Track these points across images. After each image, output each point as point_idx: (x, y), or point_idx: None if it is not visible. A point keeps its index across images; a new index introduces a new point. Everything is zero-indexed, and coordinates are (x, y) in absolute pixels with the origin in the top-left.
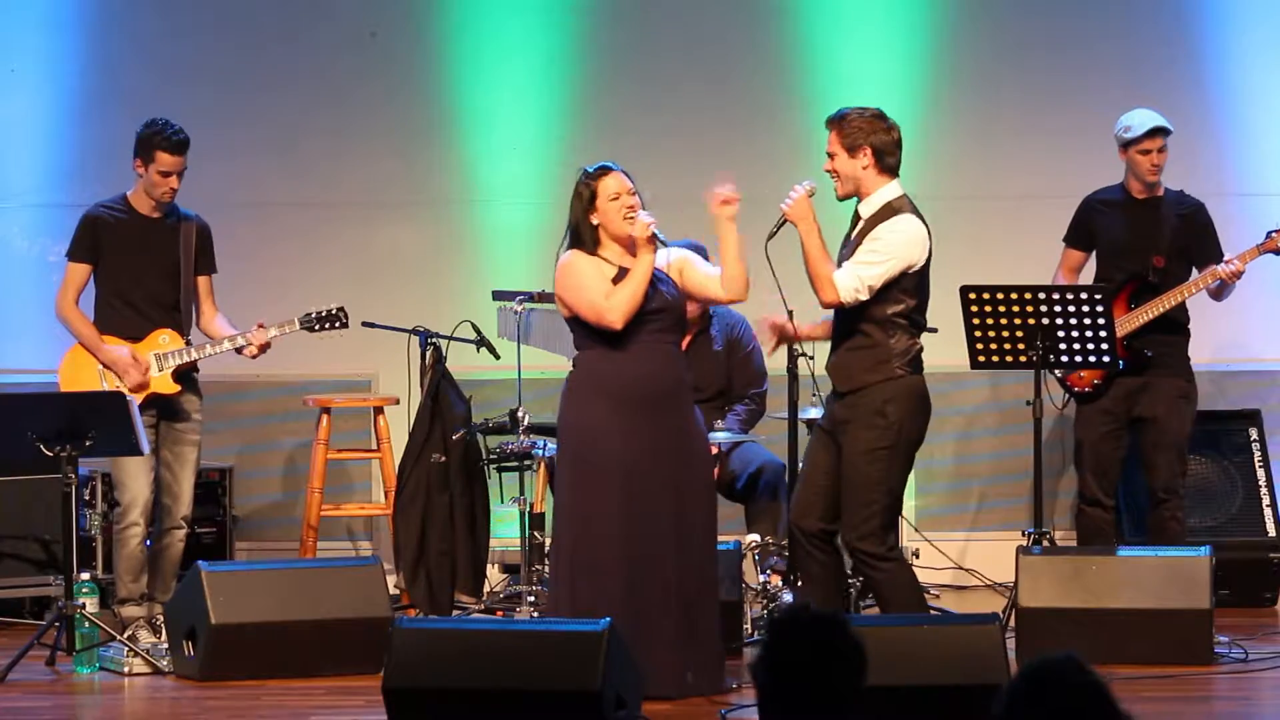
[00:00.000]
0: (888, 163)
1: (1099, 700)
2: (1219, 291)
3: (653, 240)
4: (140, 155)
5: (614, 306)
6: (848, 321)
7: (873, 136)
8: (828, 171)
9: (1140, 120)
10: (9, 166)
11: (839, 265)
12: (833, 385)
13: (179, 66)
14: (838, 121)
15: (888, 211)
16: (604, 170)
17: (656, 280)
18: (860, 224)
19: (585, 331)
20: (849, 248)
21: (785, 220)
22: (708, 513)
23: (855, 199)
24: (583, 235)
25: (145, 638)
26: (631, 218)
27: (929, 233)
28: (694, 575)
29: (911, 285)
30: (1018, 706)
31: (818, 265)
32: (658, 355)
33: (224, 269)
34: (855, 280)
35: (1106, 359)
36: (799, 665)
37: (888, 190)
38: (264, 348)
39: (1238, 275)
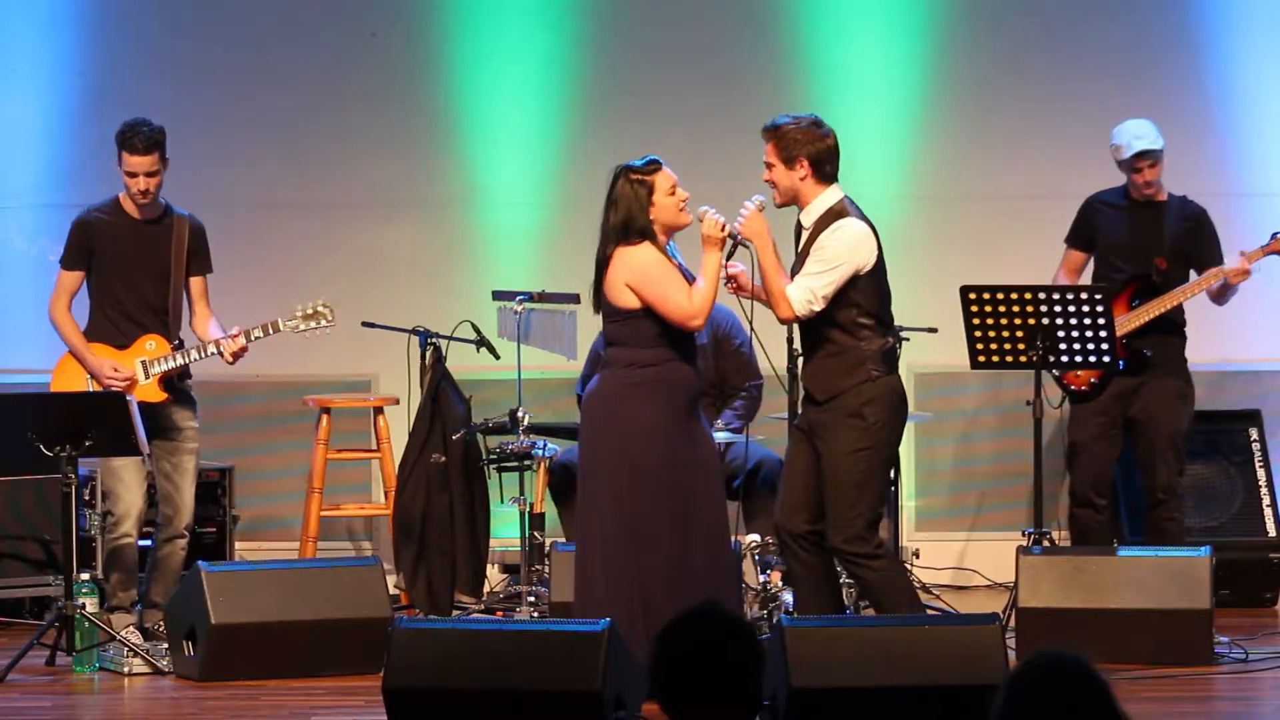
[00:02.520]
0: (825, 171)
1: (1101, 703)
2: (1221, 294)
3: (724, 241)
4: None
5: (700, 309)
6: (814, 332)
7: (809, 147)
8: (766, 181)
9: (1129, 140)
10: (9, 166)
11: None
12: (810, 394)
13: (179, 67)
14: (773, 133)
15: (830, 217)
16: (656, 164)
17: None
18: (805, 234)
19: (652, 331)
20: (801, 260)
21: (740, 239)
22: (724, 507)
23: (796, 208)
24: (642, 229)
25: (135, 639)
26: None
27: (875, 231)
28: (719, 572)
29: (867, 286)
30: (1018, 701)
31: (773, 281)
32: (694, 357)
33: (224, 270)
34: (807, 293)
35: (1106, 359)
36: (688, 665)
37: (827, 196)
38: (238, 354)
39: (1244, 274)
